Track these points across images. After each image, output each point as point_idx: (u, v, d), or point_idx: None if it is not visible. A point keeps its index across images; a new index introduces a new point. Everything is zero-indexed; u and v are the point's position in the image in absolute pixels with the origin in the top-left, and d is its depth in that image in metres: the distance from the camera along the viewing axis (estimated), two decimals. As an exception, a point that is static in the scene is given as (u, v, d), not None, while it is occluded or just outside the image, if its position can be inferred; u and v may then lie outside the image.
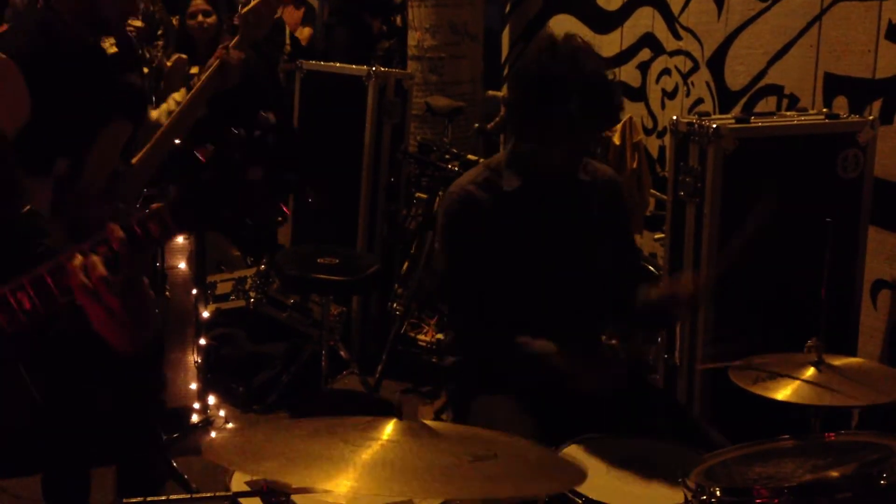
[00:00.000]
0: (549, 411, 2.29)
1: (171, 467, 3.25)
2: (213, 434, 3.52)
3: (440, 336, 4.37)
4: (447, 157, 4.68)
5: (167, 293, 3.63)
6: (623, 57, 4.68)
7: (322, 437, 1.40)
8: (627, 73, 4.64)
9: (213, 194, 1.39)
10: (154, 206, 1.41)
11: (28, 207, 1.76)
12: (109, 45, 2.84)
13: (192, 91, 3.03)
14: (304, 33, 7.38)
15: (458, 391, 2.59)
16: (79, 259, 1.36)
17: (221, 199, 1.39)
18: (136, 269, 1.39)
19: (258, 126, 1.40)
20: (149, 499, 1.59)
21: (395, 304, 4.51)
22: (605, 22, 4.78)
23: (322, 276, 3.89)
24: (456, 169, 4.31)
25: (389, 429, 1.41)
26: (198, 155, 1.41)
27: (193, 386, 3.68)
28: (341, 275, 3.92)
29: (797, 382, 2.09)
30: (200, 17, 4.57)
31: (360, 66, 4.57)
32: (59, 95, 2.62)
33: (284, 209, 4.76)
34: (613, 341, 3.37)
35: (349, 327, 4.50)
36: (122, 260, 1.36)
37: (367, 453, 1.33)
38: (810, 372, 2.11)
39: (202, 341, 3.80)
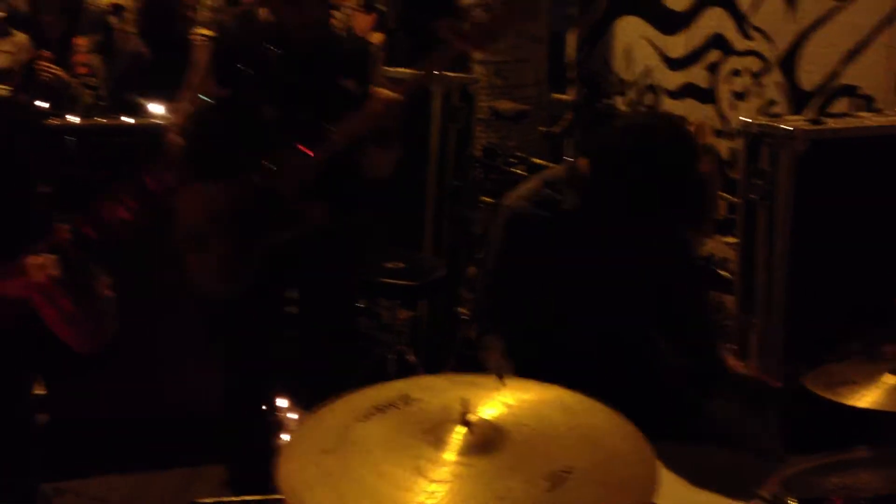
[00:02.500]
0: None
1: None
2: (284, 437, 3.56)
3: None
4: (512, 160, 4.68)
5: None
6: (691, 58, 4.62)
7: (391, 456, 1.39)
8: (696, 75, 4.59)
9: (226, 136, 1.37)
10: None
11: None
12: None
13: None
14: (376, 39, 7.40)
15: None
16: (35, 258, 1.38)
17: (235, 141, 1.38)
18: (86, 269, 1.40)
19: (268, 63, 1.34)
20: (223, 499, 1.61)
21: (461, 309, 4.52)
22: (673, 22, 4.74)
23: (389, 280, 3.92)
24: (522, 173, 4.31)
25: (459, 441, 1.39)
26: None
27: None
28: (408, 279, 3.94)
29: (875, 390, 2.04)
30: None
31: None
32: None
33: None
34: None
35: (416, 331, 4.52)
36: (72, 261, 1.38)
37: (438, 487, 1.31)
38: (888, 379, 2.06)
39: (272, 345, 3.84)
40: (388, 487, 1.32)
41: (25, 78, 4.42)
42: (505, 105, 5.02)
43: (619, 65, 5.24)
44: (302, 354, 3.40)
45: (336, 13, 6.43)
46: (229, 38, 3.09)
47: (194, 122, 1.32)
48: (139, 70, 4.68)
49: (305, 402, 4.04)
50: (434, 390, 1.56)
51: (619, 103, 5.24)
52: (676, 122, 2.37)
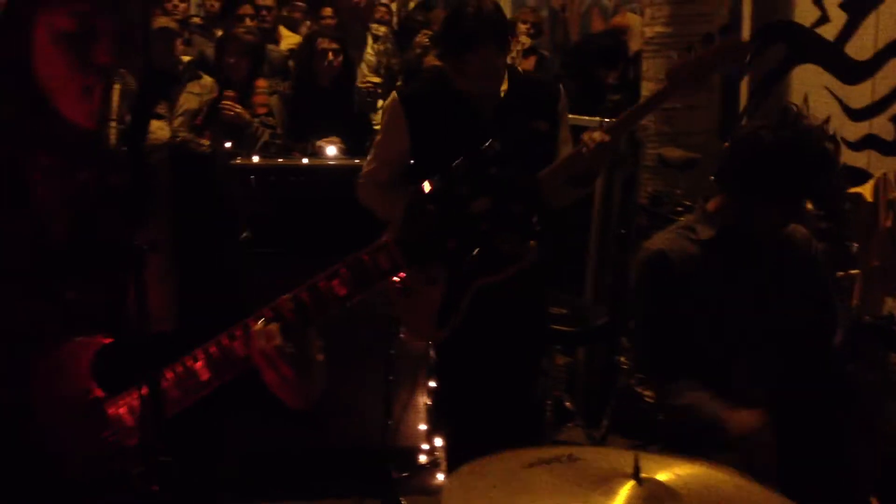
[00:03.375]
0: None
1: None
2: (440, 476, 3.58)
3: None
4: (679, 209, 4.58)
5: (401, 335, 3.74)
6: (875, 109, 4.42)
7: (558, 499, 1.39)
8: (880, 126, 4.38)
9: (438, 227, 1.38)
10: (382, 239, 1.42)
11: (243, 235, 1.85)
12: None
13: (561, 160, 3.02)
14: (535, 79, 7.48)
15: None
16: (260, 325, 1.42)
17: (447, 232, 1.38)
18: (305, 337, 1.44)
19: (483, 157, 1.37)
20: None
21: (622, 358, 4.44)
22: (855, 72, 4.55)
23: (550, 325, 3.89)
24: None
25: (628, 494, 1.38)
26: (423, 187, 1.41)
27: (423, 427, 3.77)
28: (569, 325, 3.91)
29: None
30: (331, 56, 4.78)
31: (592, 118, 4.58)
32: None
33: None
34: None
35: (574, 378, 4.47)
36: (294, 329, 1.42)
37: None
38: None
39: (432, 384, 3.89)
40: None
41: (209, 117, 4.67)
42: (673, 152, 4.93)
43: (795, 114, 5.08)
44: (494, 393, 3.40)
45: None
46: (423, 107, 3.09)
47: (409, 211, 1.35)
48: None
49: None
50: (599, 453, 1.69)
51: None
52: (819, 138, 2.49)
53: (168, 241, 1.57)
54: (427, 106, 3.08)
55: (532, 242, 1.41)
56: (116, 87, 1.39)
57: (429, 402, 3.85)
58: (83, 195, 1.54)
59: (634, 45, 6.17)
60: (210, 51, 6.27)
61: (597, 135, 2.88)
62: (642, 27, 5.80)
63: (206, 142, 1.72)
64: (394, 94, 3.16)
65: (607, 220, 4.45)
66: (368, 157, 3.22)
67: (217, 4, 7.97)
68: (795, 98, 5.06)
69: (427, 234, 1.38)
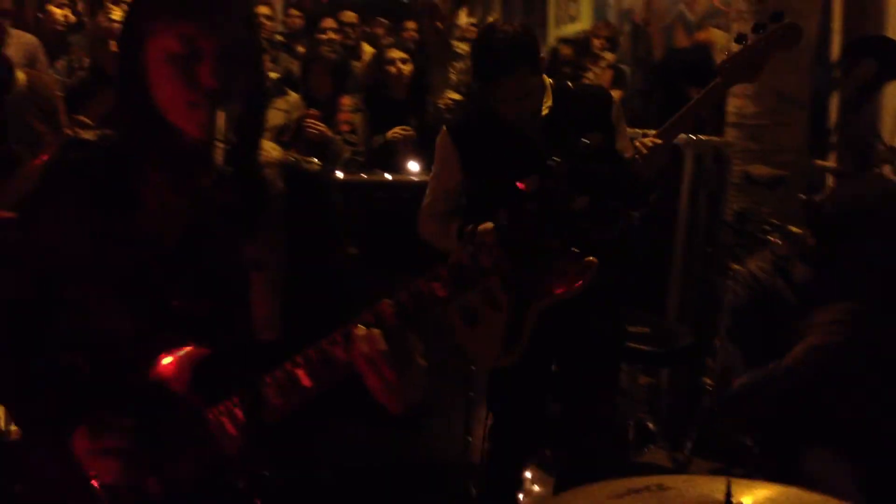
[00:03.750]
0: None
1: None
2: (520, 497, 3.55)
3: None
4: (766, 227, 4.48)
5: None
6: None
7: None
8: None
9: (538, 224, 1.38)
10: (483, 235, 1.41)
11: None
12: None
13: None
14: (615, 96, 7.44)
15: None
16: (363, 329, 1.42)
17: (547, 230, 1.38)
18: (407, 341, 1.44)
19: (582, 154, 1.36)
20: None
21: (706, 379, 4.35)
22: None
23: (632, 344, 3.84)
24: (776, 240, 4.12)
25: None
26: (521, 185, 1.40)
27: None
28: (652, 345, 3.85)
29: None
30: (400, 65, 4.77)
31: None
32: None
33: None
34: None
35: (657, 399, 4.40)
36: (395, 333, 1.41)
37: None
38: None
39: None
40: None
41: (295, 134, 4.76)
42: (760, 170, 4.83)
43: (888, 132, 4.93)
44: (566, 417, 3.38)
45: (588, 74, 6.49)
46: (471, 136, 3.14)
47: (510, 210, 1.36)
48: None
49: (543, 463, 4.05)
50: (688, 481, 1.66)
51: (888, 172, 4.91)
52: None
53: (277, 256, 1.59)
54: (475, 135, 3.13)
55: (592, 259, 1.38)
56: (220, 112, 1.43)
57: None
58: (193, 207, 1.58)
59: (719, 60, 6.08)
60: (295, 67, 6.40)
61: (648, 140, 2.85)
62: (727, 43, 5.71)
63: (315, 160, 1.75)
64: (444, 127, 3.22)
65: (692, 238, 4.38)
66: (427, 192, 3.27)
67: (299, 21, 8.13)
68: (886, 116, 4.92)
69: (528, 233, 1.37)
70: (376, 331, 1.41)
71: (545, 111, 3.04)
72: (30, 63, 4.53)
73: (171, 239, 1.60)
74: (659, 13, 7.82)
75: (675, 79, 6.88)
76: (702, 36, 6.84)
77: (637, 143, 2.90)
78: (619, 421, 4.06)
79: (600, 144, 3.02)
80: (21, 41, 4.62)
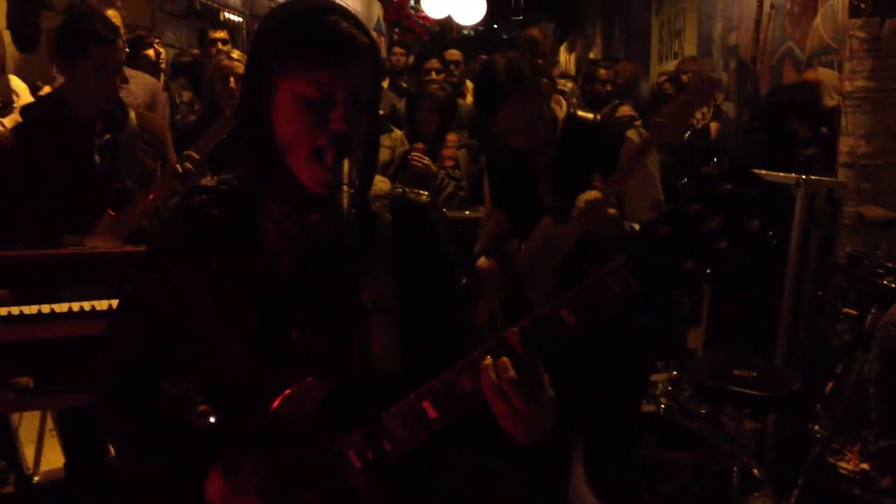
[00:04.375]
0: None
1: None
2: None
3: (865, 466, 4.02)
4: (881, 271, 4.35)
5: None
6: None
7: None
8: None
9: (671, 248, 1.34)
10: (613, 262, 1.39)
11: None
12: None
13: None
14: (713, 128, 7.32)
15: None
16: (489, 359, 1.40)
17: (681, 253, 1.34)
18: (538, 371, 1.41)
19: (713, 175, 1.33)
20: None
21: (815, 426, 4.23)
22: None
23: (738, 388, 3.76)
24: (891, 285, 3.99)
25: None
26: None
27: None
28: (759, 389, 3.75)
29: None
30: (433, 75, 4.81)
31: (787, 174, 4.43)
32: None
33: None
34: None
35: (763, 445, 4.28)
36: (524, 361, 1.39)
37: None
38: None
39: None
40: None
41: (399, 167, 4.83)
42: (874, 211, 4.70)
43: None
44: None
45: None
46: (497, 166, 3.31)
47: (641, 233, 1.34)
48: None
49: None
50: None
51: None
52: None
53: (391, 287, 1.60)
54: (500, 165, 3.29)
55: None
56: (346, 160, 1.44)
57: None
58: (311, 240, 1.61)
59: (828, 99, 5.95)
60: (399, 104, 6.49)
61: (589, 193, 2.77)
62: (840, 81, 5.59)
63: (424, 192, 1.75)
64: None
65: (802, 281, 4.27)
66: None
67: (403, 59, 8.27)
68: None
69: (661, 257, 1.35)
70: (505, 358, 1.39)
71: (553, 154, 3.05)
72: (151, 101, 4.72)
73: (289, 271, 1.62)
74: (767, 50, 7.69)
75: (781, 116, 6.75)
76: (810, 75, 6.68)
77: (577, 200, 2.80)
78: (724, 466, 3.97)
79: (732, 165, 2.98)
80: (142, 82, 4.82)
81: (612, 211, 2.80)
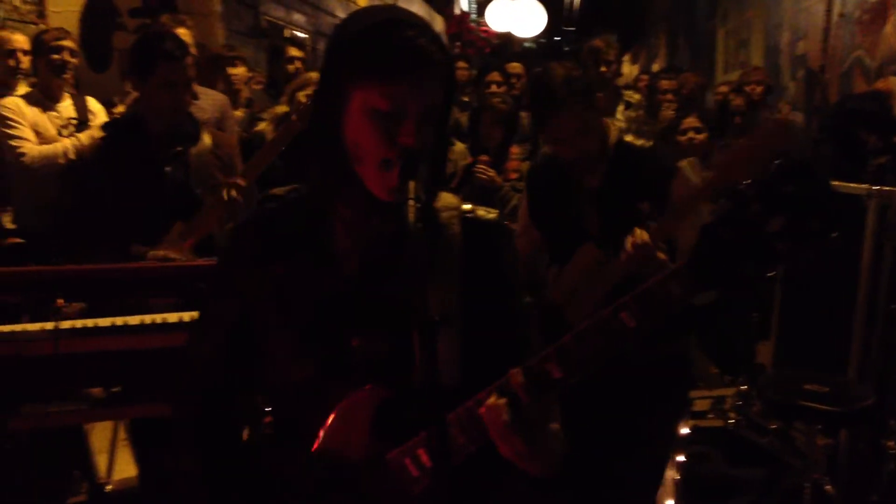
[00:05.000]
0: None
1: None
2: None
3: (943, 484, 3.90)
4: (957, 283, 4.24)
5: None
6: None
7: None
8: None
9: (732, 250, 1.32)
10: (675, 265, 1.37)
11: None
12: None
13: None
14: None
15: None
16: (492, 399, 1.42)
17: (742, 255, 1.32)
18: (543, 409, 1.42)
19: (775, 175, 1.29)
20: None
21: (889, 442, 4.11)
22: None
23: (810, 403, 3.69)
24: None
25: None
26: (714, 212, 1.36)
27: (670, 503, 3.66)
28: (831, 404, 3.69)
29: None
30: (494, 87, 4.76)
31: (858, 185, 4.34)
32: None
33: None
34: None
35: (835, 461, 4.19)
36: (526, 405, 1.40)
37: None
38: None
39: (679, 457, 3.77)
40: None
41: (461, 180, 4.85)
42: (949, 222, 4.57)
43: None
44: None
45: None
46: (539, 180, 3.21)
47: (701, 236, 1.33)
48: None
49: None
50: None
51: None
52: None
53: (456, 302, 1.61)
54: (541, 179, 3.16)
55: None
56: (413, 174, 1.45)
57: (677, 477, 3.74)
58: (376, 242, 1.62)
59: (898, 107, 5.82)
60: (461, 117, 6.52)
61: (638, 236, 2.72)
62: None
63: (494, 210, 1.76)
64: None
65: (874, 294, 4.18)
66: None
67: (465, 73, 8.31)
68: None
69: (722, 259, 1.33)
70: (501, 402, 1.41)
71: (600, 178, 3.00)
72: (221, 117, 4.81)
73: (355, 276, 1.63)
74: (836, 59, 7.55)
75: (850, 125, 6.62)
76: (881, 84, 6.55)
77: (627, 240, 2.76)
78: (795, 483, 3.89)
79: (649, 215, 2.90)
80: (212, 99, 4.92)
81: (661, 256, 2.76)
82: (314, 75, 4.35)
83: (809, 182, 1.28)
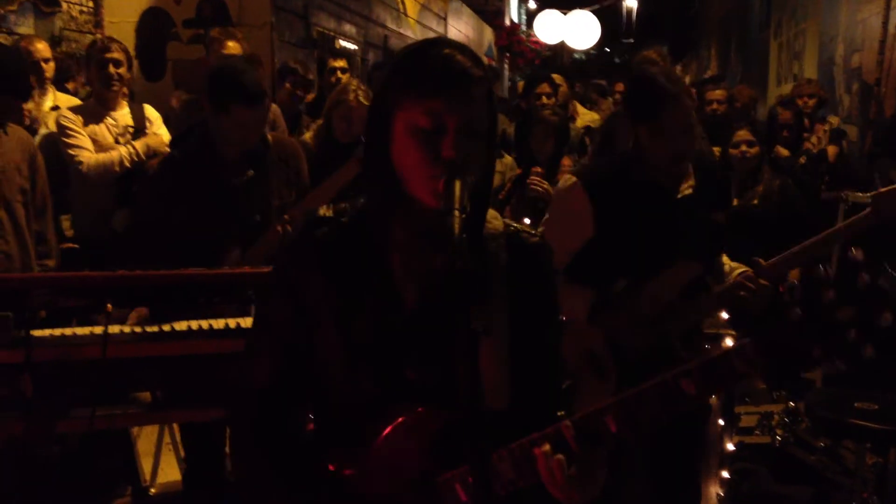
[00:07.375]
0: None
1: None
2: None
3: None
4: None
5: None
6: None
7: None
8: None
9: (802, 333, 1.33)
10: (741, 342, 1.38)
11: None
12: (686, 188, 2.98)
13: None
14: (831, 152, 7.09)
15: None
16: (546, 447, 1.45)
17: (811, 339, 1.33)
18: (593, 463, 1.45)
19: (853, 264, 1.30)
20: None
21: (941, 462, 4.03)
22: None
23: (859, 421, 3.63)
24: None
25: None
26: (781, 288, 1.37)
27: (715, 519, 3.62)
28: (881, 422, 3.62)
29: None
30: (544, 99, 4.72)
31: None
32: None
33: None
34: None
35: (884, 480, 4.10)
36: (575, 455, 1.43)
37: None
38: None
39: (724, 474, 3.73)
40: None
41: (512, 191, 4.84)
42: None
43: None
44: None
45: (812, 139, 6.26)
46: (609, 192, 2.95)
47: (771, 313, 1.36)
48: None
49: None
50: None
51: None
52: None
53: (503, 324, 1.62)
54: (614, 191, 2.93)
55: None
56: (457, 182, 1.47)
57: (721, 494, 3.69)
58: (431, 273, 1.63)
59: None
60: (509, 129, 6.52)
61: (757, 279, 2.67)
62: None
63: (536, 232, 1.77)
64: (573, 178, 3.01)
65: (928, 312, 4.08)
66: None
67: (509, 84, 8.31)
68: None
69: (791, 340, 1.34)
70: (558, 459, 1.45)
71: (688, 190, 2.96)
72: (271, 128, 4.86)
73: (409, 305, 1.65)
74: (892, 72, 7.43)
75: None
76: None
77: (741, 279, 2.73)
78: (843, 501, 3.83)
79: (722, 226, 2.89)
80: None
81: (762, 282, 2.71)
82: (352, 103, 4.34)
83: (886, 275, 1.30)
